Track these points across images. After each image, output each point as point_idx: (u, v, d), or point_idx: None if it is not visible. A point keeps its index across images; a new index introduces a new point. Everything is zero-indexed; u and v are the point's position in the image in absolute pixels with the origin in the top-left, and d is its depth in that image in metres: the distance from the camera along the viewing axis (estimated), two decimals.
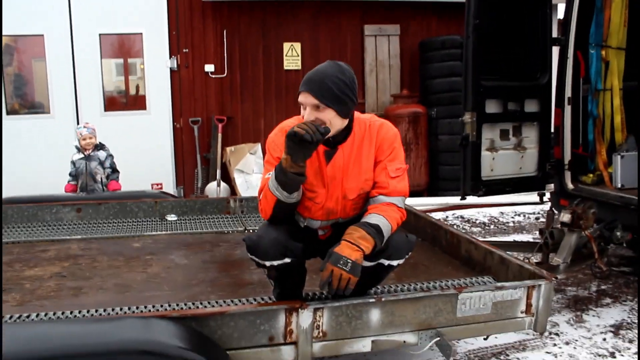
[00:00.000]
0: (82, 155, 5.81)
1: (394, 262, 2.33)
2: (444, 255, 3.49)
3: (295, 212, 2.45)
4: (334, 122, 2.26)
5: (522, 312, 2.44)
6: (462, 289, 2.34)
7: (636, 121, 4.84)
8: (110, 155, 5.90)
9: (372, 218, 2.26)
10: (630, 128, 4.87)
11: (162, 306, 2.60)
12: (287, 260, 2.29)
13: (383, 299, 2.26)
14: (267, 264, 2.31)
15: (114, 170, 5.88)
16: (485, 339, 2.72)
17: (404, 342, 2.31)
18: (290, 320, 2.17)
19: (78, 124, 7.62)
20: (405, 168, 2.38)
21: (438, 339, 2.29)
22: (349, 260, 2.14)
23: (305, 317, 2.18)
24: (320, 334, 2.21)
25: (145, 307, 2.58)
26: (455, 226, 6.81)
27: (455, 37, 8.24)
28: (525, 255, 4.57)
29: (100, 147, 5.88)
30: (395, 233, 2.30)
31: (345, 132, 2.34)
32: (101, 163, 5.80)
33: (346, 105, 2.27)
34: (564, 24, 4.78)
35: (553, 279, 2.48)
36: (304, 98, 2.24)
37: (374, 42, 8.74)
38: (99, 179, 5.80)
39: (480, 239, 5.93)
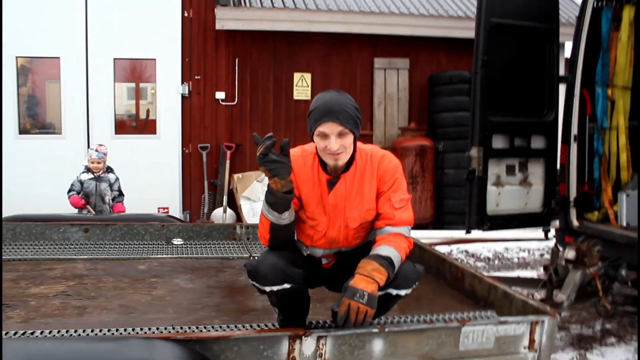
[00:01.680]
0: (91, 176, 5.89)
1: (402, 292, 2.34)
2: (447, 288, 3.49)
3: (294, 238, 2.47)
4: (352, 147, 2.32)
5: (524, 348, 2.44)
6: (465, 322, 2.34)
7: None
8: (118, 179, 6.01)
9: (382, 250, 2.28)
10: (636, 166, 4.90)
11: (166, 329, 2.61)
12: (287, 286, 2.30)
13: (386, 330, 2.26)
14: (267, 289, 2.33)
15: (121, 193, 5.99)
16: None
17: None
18: (293, 347, 2.18)
19: (89, 145, 7.71)
20: (409, 198, 2.41)
21: None
22: (365, 293, 2.16)
23: (308, 345, 2.19)
24: None
25: (150, 329, 2.59)
26: (459, 260, 6.80)
27: (463, 72, 8.35)
28: (529, 291, 4.56)
29: (110, 169, 5.99)
30: (404, 262, 2.33)
31: (348, 162, 2.38)
32: (110, 185, 5.90)
33: (359, 131, 2.33)
34: (571, 62, 4.86)
35: (557, 314, 2.48)
36: (329, 128, 2.25)
37: (384, 75, 8.86)
38: (107, 201, 5.89)
39: (485, 273, 5.93)
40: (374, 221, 2.42)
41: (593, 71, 4.84)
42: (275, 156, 2.14)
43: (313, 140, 2.35)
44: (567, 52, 7.55)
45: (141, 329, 2.56)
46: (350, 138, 2.29)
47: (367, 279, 2.19)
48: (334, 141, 2.26)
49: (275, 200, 2.23)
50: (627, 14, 4.73)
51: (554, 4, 4.87)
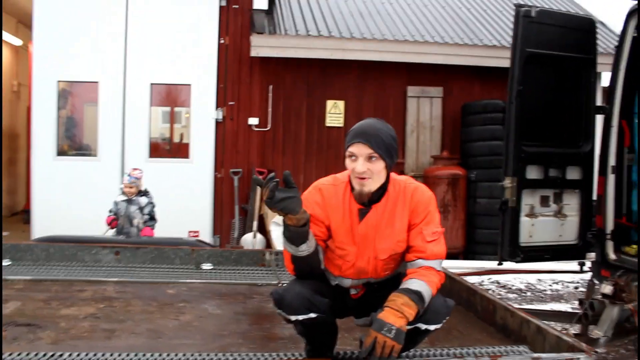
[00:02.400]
0: (124, 198, 6.00)
1: (432, 327, 2.29)
2: (478, 321, 3.40)
3: (321, 268, 2.43)
4: (382, 175, 2.30)
5: None
6: (496, 357, 2.28)
7: None
8: (151, 204, 6.07)
9: (413, 284, 2.24)
10: None
11: (192, 355, 2.60)
12: (313, 315, 2.28)
13: None
14: (293, 318, 2.30)
15: (152, 217, 6.04)
16: None
17: None
18: None
19: (123, 167, 7.87)
20: (442, 231, 2.37)
21: None
22: (393, 327, 2.12)
23: None
24: None
25: (176, 355, 2.58)
26: (490, 291, 6.66)
27: (497, 101, 8.28)
28: (563, 326, 4.43)
29: (143, 193, 6.05)
30: (434, 297, 2.28)
31: (380, 192, 2.36)
32: (140, 208, 5.98)
33: (392, 160, 2.32)
34: (609, 92, 4.78)
35: (593, 352, 2.39)
36: (358, 149, 2.26)
37: (417, 103, 8.85)
38: (136, 224, 5.94)
39: (517, 306, 5.78)
40: (405, 253, 2.38)
41: (632, 101, 4.75)
42: (282, 193, 2.11)
43: (345, 163, 2.35)
44: (604, 81, 7.43)
45: (168, 355, 2.56)
46: (379, 164, 2.28)
47: (396, 313, 2.15)
48: (361, 163, 2.26)
49: (290, 234, 2.22)
50: None
51: (591, 35, 4.82)
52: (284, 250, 2.34)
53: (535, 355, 2.39)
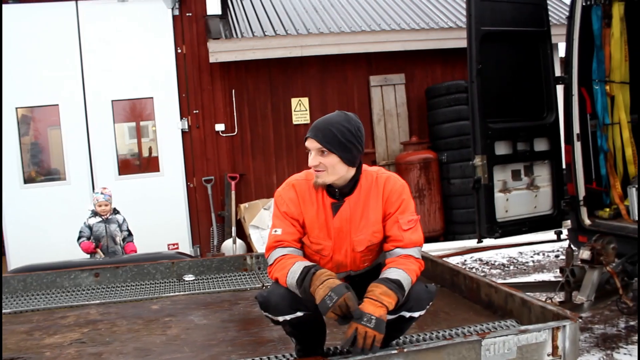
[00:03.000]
0: (100, 219, 5.92)
1: (415, 314, 2.31)
2: (464, 300, 3.44)
3: None
4: (338, 168, 2.31)
5: (548, 355, 2.38)
6: (485, 335, 2.30)
7: None
8: (125, 219, 6.09)
9: (391, 273, 2.25)
10: None
11: None
12: (300, 314, 2.28)
13: (405, 350, 2.22)
14: (280, 319, 2.30)
15: (130, 233, 6.08)
16: None
17: None
18: None
19: (94, 189, 7.74)
20: (417, 219, 2.38)
21: None
22: (373, 317, 2.12)
23: None
24: None
25: None
26: (474, 269, 6.73)
27: (459, 82, 8.37)
28: (547, 295, 4.50)
29: (116, 211, 6.03)
30: (415, 284, 2.29)
31: (352, 184, 2.37)
32: (119, 226, 5.95)
33: (350, 153, 2.32)
34: (566, 62, 4.85)
35: (578, 318, 2.44)
36: (310, 143, 2.33)
37: (380, 92, 8.89)
38: (118, 241, 5.92)
39: (501, 281, 5.86)
40: (383, 243, 2.39)
41: (589, 69, 4.82)
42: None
43: None
44: (561, 51, 7.55)
45: None
46: (332, 158, 2.30)
47: (375, 303, 2.15)
48: (313, 157, 2.31)
49: (305, 296, 2.21)
50: (617, 10, 4.72)
51: (542, 8, 4.88)
52: (279, 270, 2.30)
53: (523, 327, 2.43)
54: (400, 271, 2.25)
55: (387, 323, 2.18)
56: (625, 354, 3.90)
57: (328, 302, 2.09)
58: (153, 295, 4.10)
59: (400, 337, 2.57)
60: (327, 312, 2.10)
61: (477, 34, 4.43)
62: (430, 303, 2.36)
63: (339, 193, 2.36)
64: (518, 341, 2.33)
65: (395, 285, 2.19)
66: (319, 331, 2.44)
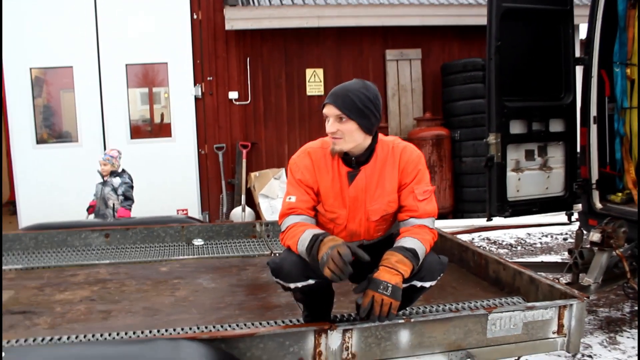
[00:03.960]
0: (101, 180, 5.93)
1: (427, 284, 2.32)
2: (472, 276, 3.45)
3: None
4: (355, 135, 2.30)
5: (553, 333, 2.40)
6: (491, 309, 2.31)
7: None
8: (126, 183, 5.93)
9: (407, 242, 2.25)
10: None
11: (190, 329, 2.61)
12: (311, 281, 2.29)
13: (412, 320, 2.24)
14: (292, 286, 2.32)
15: (127, 198, 5.90)
16: None
17: None
18: (319, 341, 2.16)
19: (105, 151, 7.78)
20: (433, 189, 2.38)
21: None
22: (389, 285, 2.13)
23: (334, 339, 2.17)
24: (350, 355, 2.20)
25: (175, 329, 2.59)
26: (482, 248, 6.74)
27: (476, 59, 8.27)
28: (554, 276, 4.51)
29: (117, 174, 5.95)
30: (428, 254, 2.30)
31: (368, 153, 2.35)
32: (114, 189, 5.88)
33: (369, 120, 2.30)
34: (587, 43, 4.77)
35: (585, 298, 2.44)
36: (328, 110, 2.31)
37: (396, 66, 8.80)
38: (111, 205, 5.86)
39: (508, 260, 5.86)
40: (397, 213, 2.39)
41: (610, 51, 4.74)
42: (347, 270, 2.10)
43: None
44: (582, 34, 7.43)
45: (166, 331, 2.57)
46: (350, 125, 2.28)
47: (391, 271, 2.16)
48: (331, 123, 2.29)
49: (312, 262, 2.20)
50: None
51: None
52: (290, 238, 2.30)
53: (530, 304, 2.43)
54: (415, 240, 2.25)
55: None
56: (628, 337, 3.91)
57: (324, 258, 2.09)
58: (162, 258, 4.14)
59: (407, 309, 2.59)
60: (324, 269, 2.09)
61: (497, 9, 4.36)
62: (442, 274, 2.36)
63: (355, 161, 2.35)
64: (524, 317, 2.34)
65: (411, 254, 2.20)
66: (328, 299, 2.46)
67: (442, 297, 3.03)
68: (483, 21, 4.58)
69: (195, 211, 8.33)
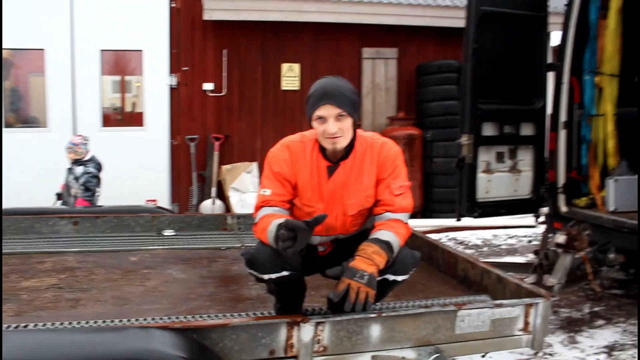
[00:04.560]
0: (69, 166, 5.80)
1: (399, 278, 2.35)
2: (440, 274, 3.51)
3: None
4: (351, 131, 2.32)
5: (519, 330, 2.46)
6: (461, 306, 2.36)
7: (629, 146, 4.92)
8: (88, 174, 5.71)
9: (382, 234, 2.28)
10: (623, 153, 4.95)
11: (161, 319, 2.60)
12: (285, 273, 2.30)
13: (384, 314, 2.27)
14: (266, 277, 2.32)
15: (87, 189, 5.71)
16: (482, 357, 2.73)
17: (404, 358, 2.32)
18: (291, 333, 2.18)
19: None
20: (409, 185, 2.42)
21: (437, 355, 2.30)
22: (365, 274, 2.15)
23: (306, 331, 2.19)
24: (321, 348, 2.22)
25: (145, 319, 2.58)
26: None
27: (452, 61, 8.37)
28: (519, 276, 4.60)
29: (82, 162, 5.76)
30: (402, 248, 2.33)
31: (348, 149, 2.38)
32: (76, 178, 5.72)
33: (358, 116, 2.35)
34: (560, 50, 4.88)
35: (551, 297, 2.51)
36: (327, 111, 2.26)
37: (372, 64, 8.86)
38: (73, 193, 5.72)
39: None
40: (373, 207, 2.42)
41: (581, 59, 4.87)
42: (299, 244, 2.12)
43: (312, 126, 2.34)
44: (553, 40, 7.58)
45: (136, 320, 2.55)
46: (348, 121, 2.30)
47: (367, 261, 2.19)
48: (332, 124, 2.26)
49: (277, 248, 2.21)
50: (615, 1, 4.75)
51: None
52: (261, 229, 2.30)
53: (497, 301, 2.49)
54: (390, 233, 2.28)
55: None
56: (587, 337, 4.03)
57: (275, 232, 2.13)
58: (132, 248, 4.09)
59: (378, 304, 2.63)
60: (278, 244, 2.11)
61: (476, 13, 4.44)
62: (415, 268, 2.40)
63: (335, 156, 2.37)
64: (492, 314, 2.40)
65: (386, 246, 2.23)
66: (300, 291, 2.47)
67: (412, 294, 3.07)
68: (459, 23, 4.65)
69: (164, 202, 8.25)
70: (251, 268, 2.33)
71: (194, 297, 3.07)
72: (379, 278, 2.22)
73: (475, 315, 2.37)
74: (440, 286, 3.29)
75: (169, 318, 2.62)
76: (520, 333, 2.47)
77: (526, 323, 2.45)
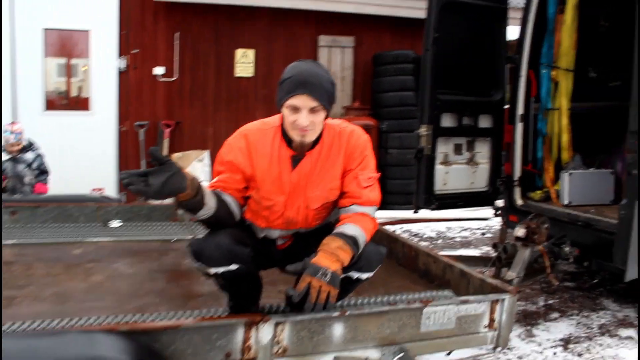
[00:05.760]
0: (9, 157, 5.48)
1: (364, 275, 2.23)
2: (401, 268, 3.44)
3: (235, 220, 2.27)
4: (321, 126, 2.18)
5: (485, 327, 2.40)
6: (427, 303, 2.27)
7: (583, 140, 4.97)
8: (39, 156, 5.57)
9: (348, 228, 2.15)
10: (577, 147, 5.00)
11: (106, 318, 2.41)
12: (234, 267, 2.14)
13: (347, 313, 2.16)
14: (212, 271, 2.15)
15: (42, 172, 5.57)
16: (447, 354, 2.66)
17: (367, 358, 2.22)
18: (249, 335, 2.03)
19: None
20: (377, 176, 2.30)
21: (402, 354, 2.21)
22: (328, 271, 2.02)
23: (265, 332, 2.05)
24: (281, 349, 2.09)
25: (89, 319, 2.38)
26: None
27: (408, 52, 8.31)
28: (477, 270, 4.59)
29: (27, 148, 5.55)
30: (367, 244, 2.21)
31: (315, 139, 2.23)
32: (29, 165, 5.49)
33: (331, 109, 2.20)
34: (518, 43, 4.87)
35: (517, 292, 2.45)
36: (302, 101, 2.09)
37: (328, 53, 8.72)
38: (27, 182, 5.47)
39: None
40: (338, 200, 2.29)
41: (539, 53, 4.88)
42: (159, 177, 1.89)
43: (280, 112, 2.18)
44: (510, 35, 7.62)
45: (79, 319, 2.36)
46: (322, 115, 2.15)
47: (330, 257, 2.05)
48: (305, 116, 2.10)
49: (185, 207, 2.07)
50: None
51: None
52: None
53: (463, 298, 2.42)
54: (356, 227, 2.16)
55: None
56: (543, 330, 4.04)
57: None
58: (75, 240, 3.86)
59: (339, 301, 2.51)
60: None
61: (438, 1, 4.36)
62: (380, 265, 2.29)
63: (302, 148, 2.22)
64: (458, 311, 2.33)
65: (352, 241, 2.10)
66: (253, 287, 2.32)
67: (373, 289, 2.98)
68: (416, 14, 4.59)
69: (112, 190, 7.90)
70: (198, 260, 2.15)
71: (142, 294, 2.89)
72: (342, 276, 2.10)
73: (441, 313, 2.29)
74: (401, 280, 3.21)
75: (115, 317, 2.43)
76: (486, 330, 2.41)
77: (491, 320, 2.40)
